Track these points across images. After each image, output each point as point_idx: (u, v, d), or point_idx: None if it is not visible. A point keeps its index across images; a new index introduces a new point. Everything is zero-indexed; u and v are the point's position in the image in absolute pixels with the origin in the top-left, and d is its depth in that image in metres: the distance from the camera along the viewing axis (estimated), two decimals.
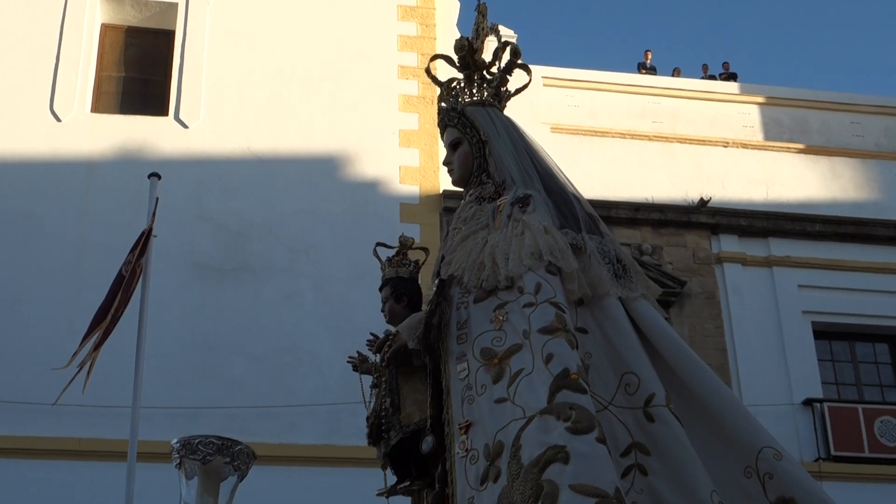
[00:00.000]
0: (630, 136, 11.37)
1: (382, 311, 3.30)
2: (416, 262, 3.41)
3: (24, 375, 8.89)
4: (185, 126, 10.35)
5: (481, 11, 3.03)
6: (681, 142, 11.35)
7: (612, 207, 10.60)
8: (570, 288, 2.57)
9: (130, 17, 10.95)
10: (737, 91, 12.17)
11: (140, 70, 10.87)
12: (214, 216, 9.88)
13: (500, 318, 2.52)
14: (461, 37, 3.01)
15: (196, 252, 9.74)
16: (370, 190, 10.27)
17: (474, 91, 3.03)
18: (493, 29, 3.01)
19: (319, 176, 10.19)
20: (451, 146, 3.02)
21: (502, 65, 3.02)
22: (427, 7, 10.98)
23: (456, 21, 11.54)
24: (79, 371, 5.96)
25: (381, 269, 3.38)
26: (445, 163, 3.05)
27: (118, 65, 10.87)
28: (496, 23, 3.01)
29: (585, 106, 11.46)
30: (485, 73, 3.05)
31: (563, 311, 2.49)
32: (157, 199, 6.63)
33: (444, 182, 10.16)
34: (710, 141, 11.45)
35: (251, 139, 10.31)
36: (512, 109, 3.11)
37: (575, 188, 2.92)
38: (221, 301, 9.54)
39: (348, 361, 3.44)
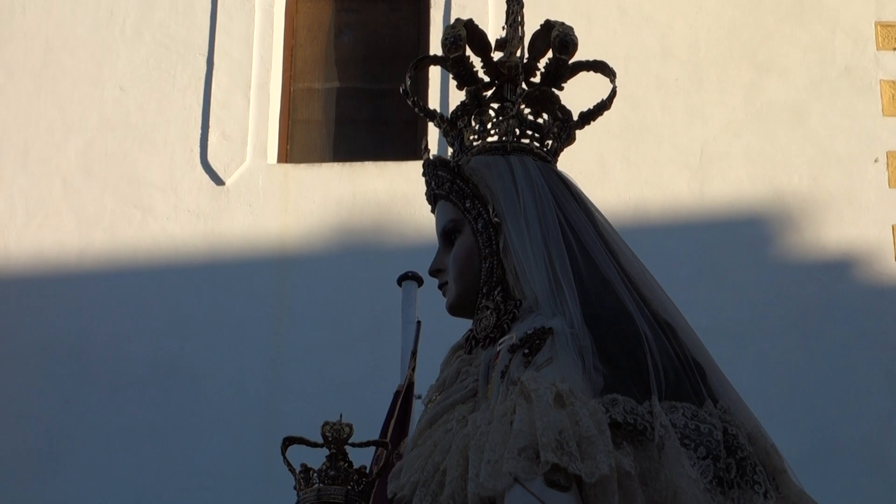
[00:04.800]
0: None
1: None
2: (362, 471, 3.13)
3: None
4: None
5: None
6: None
7: None
8: None
9: None
10: None
11: (367, 75, 9.37)
12: None
13: None
14: (458, 20, 2.66)
15: None
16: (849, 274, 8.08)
17: (490, 125, 2.63)
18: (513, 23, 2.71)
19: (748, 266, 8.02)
20: (444, 237, 2.62)
21: (538, 70, 2.69)
22: None
23: None
24: None
25: (296, 488, 3.16)
26: (432, 271, 2.66)
27: (324, 68, 9.21)
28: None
29: None
30: (518, 87, 2.66)
31: None
32: (419, 322, 5.58)
33: None
34: None
35: (606, 188, 7.92)
36: None
37: (662, 298, 2.47)
38: None
39: None
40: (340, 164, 8.71)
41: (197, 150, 8.56)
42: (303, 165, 8.71)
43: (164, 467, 7.87)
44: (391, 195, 8.69)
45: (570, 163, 8.48)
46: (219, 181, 8.47)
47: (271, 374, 8.14)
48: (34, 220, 8.32)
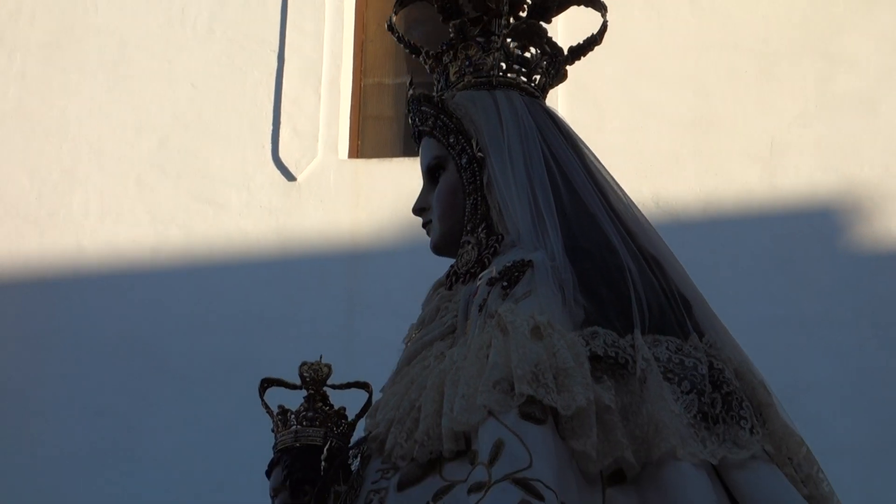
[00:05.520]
0: None
1: None
2: (341, 412, 3.01)
3: None
4: None
5: None
6: None
7: None
8: (578, 448, 2.02)
9: None
10: None
11: None
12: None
13: None
14: None
15: None
16: None
17: (476, 60, 2.52)
18: None
19: None
20: (429, 174, 2.51)
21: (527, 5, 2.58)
22: None
23: None
24: None
25: (274, 430, 3.05)
26: (416, 209, 2.55)
27: (394, 63, 8.99)
28: None
29: None
30: (505, 21, 2.54)
31: (541, 499, 1.95)
32: None
33: None
34: None
35: (678, 181, 7.59)
36: None
37: (650, 233, 2.39)
38: None
39: None
40: (411, 158, 8.28)
41: (268, 146, 8.48)
42: (374, 160, 8.57)
43: (238, 462, 7.56)
44: None
45: (641, 155, 8.38)
46: (290, 177, 8.40)
47: (343, 370, 7.81)
48: (108, 216, 8.29)
